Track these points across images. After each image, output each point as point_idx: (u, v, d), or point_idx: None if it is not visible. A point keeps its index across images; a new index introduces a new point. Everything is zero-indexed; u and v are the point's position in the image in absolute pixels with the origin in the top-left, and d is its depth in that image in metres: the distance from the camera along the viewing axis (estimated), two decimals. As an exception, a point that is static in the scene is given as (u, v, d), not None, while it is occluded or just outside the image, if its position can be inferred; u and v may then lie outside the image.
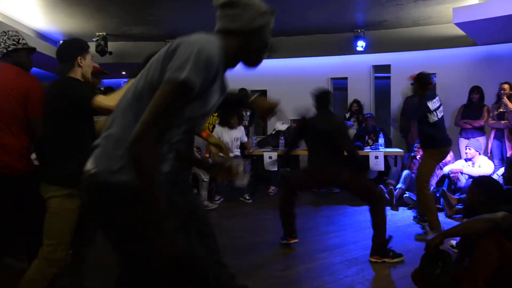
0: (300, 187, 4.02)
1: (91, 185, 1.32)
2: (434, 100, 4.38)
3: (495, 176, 4.91)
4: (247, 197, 6.06)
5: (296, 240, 3.85)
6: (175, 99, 1.23)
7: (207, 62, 1.24)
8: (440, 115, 4.34)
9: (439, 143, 4.33)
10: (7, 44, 2.40)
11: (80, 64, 2.30)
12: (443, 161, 5.56)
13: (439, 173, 5.60)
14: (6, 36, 2.41)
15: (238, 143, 5.97)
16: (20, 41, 2.44)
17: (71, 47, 2.34)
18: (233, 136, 5.87)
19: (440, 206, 5.11)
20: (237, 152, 5.96)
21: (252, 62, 1.46)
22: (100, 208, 1.33)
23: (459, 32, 6.38)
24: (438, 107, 4.37)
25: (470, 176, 5.18)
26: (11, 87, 2.28)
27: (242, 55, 1.42)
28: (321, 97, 3.93)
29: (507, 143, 5.57)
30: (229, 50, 1.36)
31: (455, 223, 4.60)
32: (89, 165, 1.34)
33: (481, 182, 2.59)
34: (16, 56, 2.41)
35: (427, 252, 2.37)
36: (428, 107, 4.29)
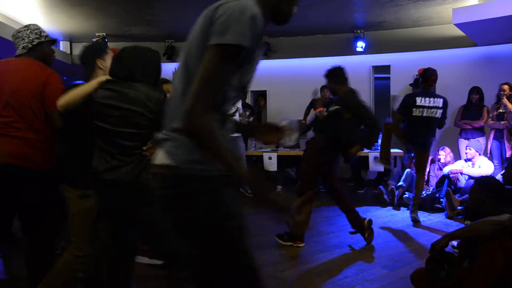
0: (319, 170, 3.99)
1: (172, 177, 1.26)
2: (428, 98, 4.45)
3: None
4: (248, 191, 5.98)
5: (303, 244, 3.83)
6: (224, 63, 1.16)
7: (252, 19, 1.17)
8: (425, 114, 4.44)
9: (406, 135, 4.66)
10: (31, 38, 2.38)
11: (100, 66, 2.38)
12: (442, 161, 5.59)
13: (439, 173, 5.60)
14: (29, 30, 2.39)
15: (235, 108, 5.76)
16: (42, 34, 2.43)
17: (89, 51, 2.42)
18: None
19: (441, 207, 5.11)
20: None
21: (284, 17, 1.40)
22: (179, 200, 1.26)
23: (459, 32, 6.38)
24: (429, 107, 4.44)
25: (470, 177, 5.19)
26: (30, 83, 2.29)
27: (275, 11, 1.37)
28: (337, 71, 3.98)
29: (507, 144, 5.58)
30: (262, 8, 1.29)
31: (456, 223, 4.61)
32: (163, 159, 1.28)
33: (484, 183, 2.58)
34: (40, 49, 2.41)
35: (432, 254, 2.36)
36: (414, 100, 4.41)
